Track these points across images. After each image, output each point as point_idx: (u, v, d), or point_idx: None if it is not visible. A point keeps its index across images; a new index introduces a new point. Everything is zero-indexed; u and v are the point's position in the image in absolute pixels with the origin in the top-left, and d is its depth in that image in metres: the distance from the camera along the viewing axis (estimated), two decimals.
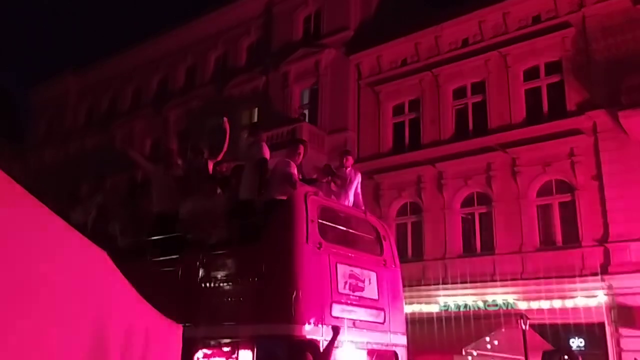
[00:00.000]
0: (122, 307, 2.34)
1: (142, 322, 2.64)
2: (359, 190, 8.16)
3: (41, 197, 1.75)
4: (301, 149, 7.36)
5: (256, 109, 23.06)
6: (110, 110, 29.42)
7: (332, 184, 7.82)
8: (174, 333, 3.33)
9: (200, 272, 6.82)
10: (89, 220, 8.72)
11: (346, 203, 7.75)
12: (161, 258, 7.30)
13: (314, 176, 7.95)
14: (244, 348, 5.91)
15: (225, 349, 6.21)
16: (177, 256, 7.14)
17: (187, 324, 5.60)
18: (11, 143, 31.27)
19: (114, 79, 28.98)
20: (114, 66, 28.97)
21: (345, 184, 7.92)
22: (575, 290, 14.57)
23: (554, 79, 16.73)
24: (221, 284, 6.67)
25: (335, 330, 5.75)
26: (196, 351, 6.12)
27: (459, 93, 18.49)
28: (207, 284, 6.71)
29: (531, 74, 17.19)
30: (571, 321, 14.54)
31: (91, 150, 27.93)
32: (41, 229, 1.59)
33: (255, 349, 5.75)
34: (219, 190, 7.78)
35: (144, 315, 2.70)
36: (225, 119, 8.66)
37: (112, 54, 29.37)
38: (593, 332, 14.42)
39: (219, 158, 8.62)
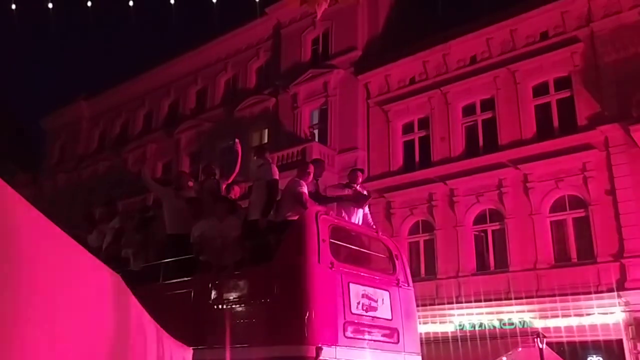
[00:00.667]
0: (135, 330, 2.34)
1: (154, 346, 2.64)
2: (367, 210, 8.16)
3: (56, 222, 1.77)
4: (311, 168, 7.40)
5: (266, 130, 23.20)
6: (122, 134, 29.75)
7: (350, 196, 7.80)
8: (185, 355, 3.33)
9: (213, 294, 6.82)
10: (104, 244, 8.78)
11: (356, 221, 7.73)
12: (174, 280, 7.31)
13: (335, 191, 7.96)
14: None
15: None
16: (189, 278, 7.14)
17: (199, 347, 5.60)
18: (25, 170, 31.66)
19: (125, 104, 29.37)
20: (125, 92, 29.38)
21: (360, 200, 7.92)
22: (591, 307, 14.35)
23: (564, 94, 16.69)
24: (233, 306, 6.65)
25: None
26: None
27: (469, 110, 18.50)
28: (220, 306, 6.70)
29: (540, 89, 17.18)
30: (589, 338, 14.31)
31: (104, 175, 28.20)
32: (56, 252, 1.61)
33: None
34: (231, 212, 7.80)
35: (156, 339, 2.71)
36: (236, 140, 8.74)
37: (123, 79, 29.81)
38: (611, 349, 14.16)
39: (231, 179, 8.67)
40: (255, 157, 7.68)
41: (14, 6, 14.27)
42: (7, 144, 34.34)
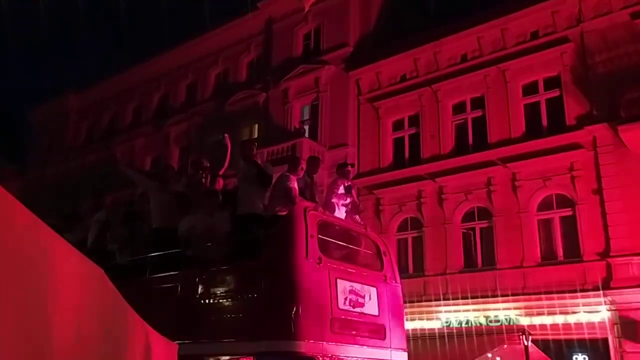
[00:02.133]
0: (118, 325, 2.32)
1: (138, 340, 2.62)
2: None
3: (41, 215, 1.74)
4: (303, 164, 7.39)
5: (257, 125, 23.14)
6: (111, 128, 29.54)
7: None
8: (170, 351, 3.31)
9: (200, 288, 6.79)
10: (89, 237, 8.70)
11: (342, 215, 7.70)
12: (160, 275, 7.27)
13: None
14: None
15: None
16: (176, 273, 7.10)
17: (186, 341, 5.57)
18: (12, 162, 31.36)
19: (114, 97, 29.15)
20: (114, 85, 29.16)
21: (357, 210, 7.87)
22: (577, 305, 14.47)
23: (553, 93, 16.79)
24: (221, 300, 6.63)
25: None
26: None
27: (459, 108, 18.56)
28: (207, 300, 6.68)
29: (530, 88, 17.26)
30: (574, 336, 14.43)
31: (91, 168, 27.98)
32: (38, 245, 1.59)
33: None
34: (220, 206, 7.75)
35: (139, 334, 2.68)
36: (226, 135, 8.68)
37: (112, 72, 29.59)
38: (597, 348, 14.30)
39: (220, 174, 8.62)
40: (242, 151, 7.59)
41: None
42: None
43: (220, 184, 8.42)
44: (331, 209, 7.47)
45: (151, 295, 6.86)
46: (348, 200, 7.73)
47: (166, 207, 7.82)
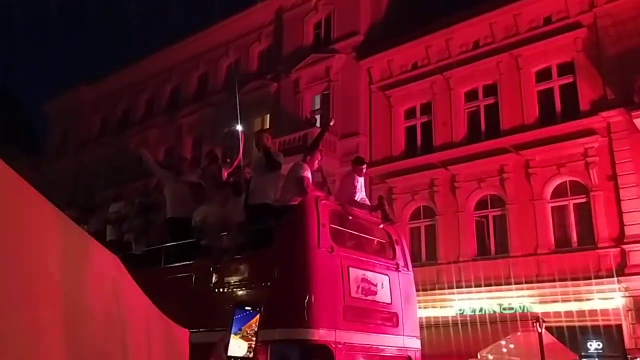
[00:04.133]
0: (132, 312, 2.38)
1: (151, 327, 2.68)
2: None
3: (57, 206, 1.80)
4: (318, 155, 7.42)
5: (268, 115, 23.17)
6: (124, 119, 29.75)
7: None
8: (181, 338, 3.37)
9: (214, 277, 6.88)
10: (107, 229, 8.83)
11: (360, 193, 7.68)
12: (175, 264, 7.37)
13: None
14: (258, 353, 5.94)
15: None
16: (190, 262, 7.20)
17: (201, 329, 5.67)
18: (27, 154, 31.73)
19: (127, 89, 29.31)
20: (126, 77, 29.31)
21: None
22: (591, 292, 14.42)
23: (567, 79, 16.62)
24: (234, 289, 6.71)
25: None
26: (209, 356, 6.15)
27: (471, 95, 18.45)
28: (220, 290, 6.76)
29: (543, 75, 17.10)
30: (588, 323, 14.41)
31: (105, 160, 28.23)
32: (54, 233, 1.65)
33: (268, 354, 5.78)
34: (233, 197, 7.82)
35: (153, 321, 2.75)
36: (240, 130, 8.77)
37: (124, 65, 29.74)
38: (611, 334, 14.26)
39: (233, 166, 8.71)
40: (256, 142, 7.66)
41: None
42: (11, 129, 34.40)
43: (224, 174, 8.51)
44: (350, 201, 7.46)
45: (166, 284, 6.96)
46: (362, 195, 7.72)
47: (181, 197, 7.92)
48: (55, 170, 30.87)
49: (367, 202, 7.81)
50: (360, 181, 7.79)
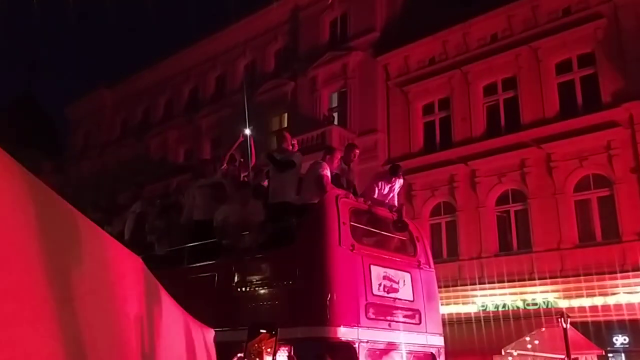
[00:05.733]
0: (157, 312, 2.41)
1: (176, 327, 2.70)
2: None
3: (80, 208, 1.82)
4: (338, 154, 7.42)
5: (286, 114, 23.21)
6: (144, 121, 30.04)
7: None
8: (207, 337, 3.40)
9: (236, 277, 6.92)
10: (126, 229, 8.93)
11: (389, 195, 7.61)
12: (198, 264, 7.42)
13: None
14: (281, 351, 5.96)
15: None
16: (213, 262, 7.24)
17: (223, 328, 5.70)
18: (51, 158, 32.24)
19: (146, 91, 29.60)
20: (146, 79, 29.60)
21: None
22: (616, 286, 14.21)
23: (588, 71, 16.37)
24: (256, 288, 6.75)
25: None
26: (234, 355, 6.20)
27: (490, 89, 18.27)
28: (243, 289, 6.80)
29: (563, 67, 16.86)
30: (614, 318, 14.19)
31: (127, 161, 28.55)
32: (77, 235, 1.67)
33: (291, 352, 5.79)
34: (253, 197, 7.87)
35: (178, 320, 2.77)
36: (247, 133, 8.81)
37: (143, 67, 30.03)
38: (637, 329, 14.01)
39: (250, 168, 8.78)
40: (277, 142, 7.74)
41: None
42: (33, 132, 34.96)
43: (242, 174, 8.58)
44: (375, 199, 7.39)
45: (189, 284, 7.02)
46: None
47: (204, 199, 8.00)
48: (78, 172, 31.33)
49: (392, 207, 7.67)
50: (390, 188, 7.64)
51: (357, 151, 8.32)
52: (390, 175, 7.75)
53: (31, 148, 30.61)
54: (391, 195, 7.63)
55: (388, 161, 17.58)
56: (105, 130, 31.97)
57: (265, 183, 8.10)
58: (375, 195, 7.45)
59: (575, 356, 13.33)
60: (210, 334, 3.53)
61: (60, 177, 30.43)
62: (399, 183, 7.74)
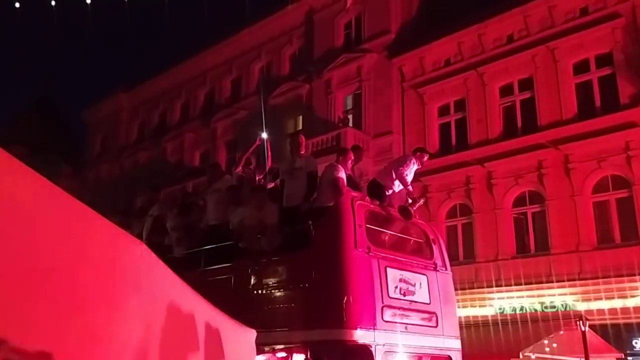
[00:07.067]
0: (199, 311, 2.45)
1: (217, 327, 2.74)
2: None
3: (100, 211, 1.86)
4: (351, 155, 7.44)
5: (301, 117, 23.27)
6: (161, 125, 30.31)
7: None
8: (248, 337, 3.43)
9: (252, 279, 6.95)
10: (144, 232, 9.01)
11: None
12: (214, 267, 7.48)
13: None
14: (298, 354, 5.99)
15: (280, 354, 6.30)
16: (229, 264, 7.29)
17: None
18: (69, 162, 32.65)
19: (162, 95, 29.88)
20: (162, 83, 29.88)
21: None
22: (636, 288, 14.03)
23: (605, 71, 16.20)
24: (273, 291, 6.77)
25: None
26: None
27: (506, 90, 18.15)
28: (260, 291, 6.83)
29: (581, 67, 16.70)
30: (634, 321, 14.01)
31: (144, 164, 28.82)
32: (101, 238, 1.71)
33: (308, 355, 5.81)
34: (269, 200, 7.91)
35: (220, 321, 2.82)
36: (264, 137, 8.86)
37: (160, 71, 30.31)
38: None
39: (266, 171, 8.84)
40: (290, 144, 7.76)
41: (53, 2, 14.63)
42: (51, 137, 35.45)
43: (258, 177, 8.64)
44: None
45: (206, 286, 7.07)
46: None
47: (219, 203, 8.05)
48: (96, 176, 31.69)
49: (409, 193, 7.67)
50: (408, 171, 7.73)
51: (362, 153, 8.36)
52: (418, 155, 7.98)
53: (50, 152, 31.05)
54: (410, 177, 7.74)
55: None
56: (122, 134, 32.31)
57: (272, 184, 8.19)
58: (409, 180, 7.50)
59: None
60: (252, 334, 3.54)
61: (79, 181, 30.82)
62: (417, 164, 7.81)
